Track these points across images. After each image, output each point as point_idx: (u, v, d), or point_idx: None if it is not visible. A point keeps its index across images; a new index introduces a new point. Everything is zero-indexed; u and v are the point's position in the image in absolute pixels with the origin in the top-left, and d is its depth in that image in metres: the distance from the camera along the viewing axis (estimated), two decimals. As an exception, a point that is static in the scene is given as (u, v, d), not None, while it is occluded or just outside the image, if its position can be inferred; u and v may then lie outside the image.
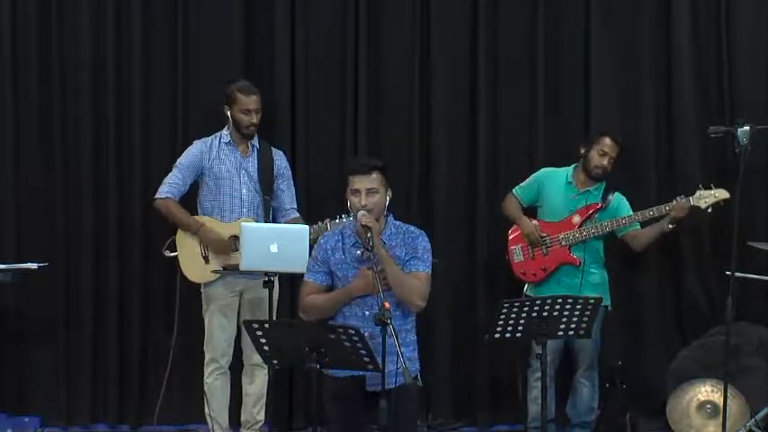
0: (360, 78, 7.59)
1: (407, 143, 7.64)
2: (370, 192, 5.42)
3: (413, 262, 5.49)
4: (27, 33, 7.56)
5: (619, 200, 7.03)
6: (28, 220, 7.58)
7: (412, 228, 5.60)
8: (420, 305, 5.51)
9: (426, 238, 5.55)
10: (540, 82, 7.60)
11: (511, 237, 7.11)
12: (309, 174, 7.55)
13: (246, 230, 6.33)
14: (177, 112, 7.57)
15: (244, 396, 6.98)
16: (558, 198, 7.05)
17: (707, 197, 6.90)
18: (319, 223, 6.72)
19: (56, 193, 7.56)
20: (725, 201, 6.90)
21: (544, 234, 6.99)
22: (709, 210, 6.93)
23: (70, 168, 7.57)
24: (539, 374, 6.82)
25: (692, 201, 6.90)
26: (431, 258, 5.54)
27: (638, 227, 7.00)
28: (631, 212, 7.00)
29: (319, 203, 7.33)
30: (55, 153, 7.56)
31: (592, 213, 6.97)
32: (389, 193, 5.51)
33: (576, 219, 6.98)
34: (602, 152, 6.96)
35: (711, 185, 6.93)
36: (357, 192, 5.44)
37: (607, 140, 6.96)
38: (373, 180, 5.43)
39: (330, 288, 5.54)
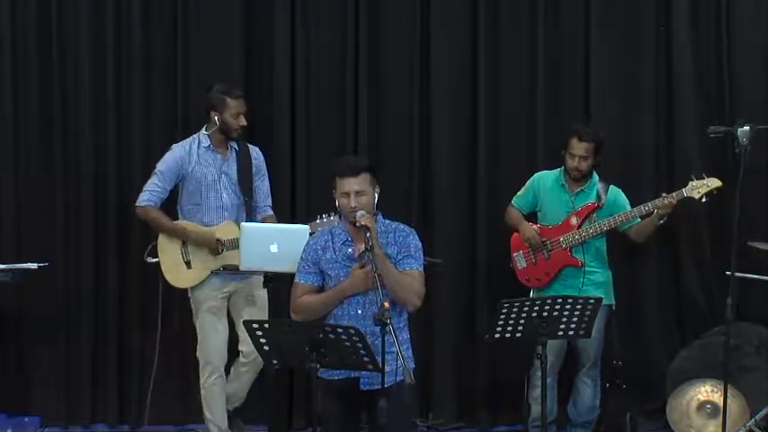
0: (360, 78, 7.59)
1: (407, 143, 7.64)
2: (359, 194, 5.42)
3: (406, 260, 5.47)
4: (27, 33, 7.56)
5: (615, 194, 7.02)
6: (28, 220, 7.58)
7: (402, 226, 5.59)
8: (417, 304, 5.50)
9: (417, 236, 5.54)
10: (540, 82, 7.60)
11: (512, 244, 7.11)
12: (309, 174, 7.54)
13: (246, 230, 6.32)
14: (177, 113, 7.57)
15: (229, 383, 6.95)
16: (553, 201, 7.05)
17: (699, 187, 6.87)
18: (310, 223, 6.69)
19: (56, 193, 7.56)
20: (718, 189, 6.87)
21: (545, 239, 6.99)
22: (704, 200, 6.89)
23: (70, 168, 7.57)
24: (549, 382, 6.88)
25: (686, 192, 6.87)
26: (422, 256, 5.54)
27: (639, 220, 6.99)
28: (628, 206, 6.98)
29: (319, 203, 7.31)
30: (55, 153, 7.56)
31: (589, 213, 6.97)
32: (377, 190, 5.50)
33: (575, 220, 6.97)
34: (572, 154, 6.93)
35: (704, 175, 6.90)
36: (346, 194, 5.43)
37: (574, 142, 6.92)
38: (361, 181, 5.41)
39: (321, 288, 5.52)
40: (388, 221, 5.55)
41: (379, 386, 5.24)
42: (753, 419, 6.88)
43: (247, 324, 5.26)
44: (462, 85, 7.66)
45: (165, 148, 7.47)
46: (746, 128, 6.31)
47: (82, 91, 7.54)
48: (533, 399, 6.86)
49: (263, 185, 6.98)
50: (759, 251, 6.87)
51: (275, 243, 6.19)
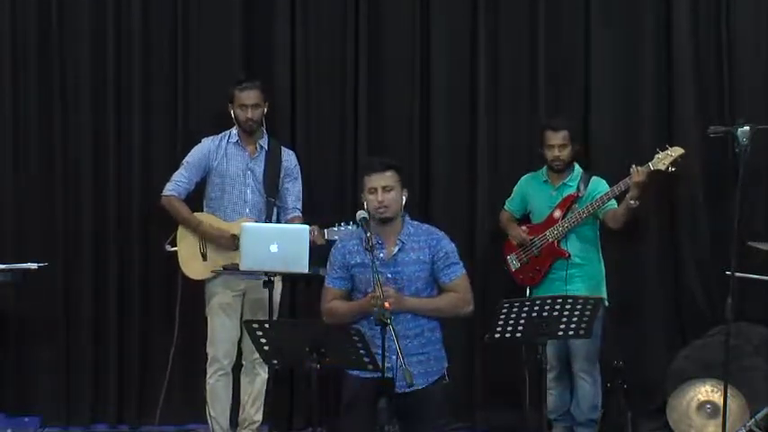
0: (360, 78, 7.59)
1: (407, 143, 7.64)
2: (386, 189, 5.49)
3: (451, 269, 5.58)
4: (27, 33, 7.57)
5: (597, 184, 7.01)
6: (28, 220, 7.58)
7: (432, 228, 5.69)
8: (468, 311, 5.73)
9: (448, 238, 5.63)
10: (540, 82, 7.60)
11: (505, 247, 7.17)
12: (310, 173, 7.54)
13: (246, 230, 6.32)
14: (177, 112, 7.57)
15: (242, 395, 6.98)
16: (539, 199, 7.10)
17: (664, 158, 6.86)
18: (311, 228, 6.62)
19: (56, 193, 7.56)
20: (682, 157, 6.85)
21: (532, 236, 7.02)
22: (671, 169, 6.84)
23: (70, 168, 7.57)
24: (551, 375, 6.88)
25: (652, 166, 6.85)
26: (458, 256, 5.66)
27: (615, 205, 6.97)
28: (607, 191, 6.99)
29: (319, 203, 7.32)
30: (55, 153, 7.56)
31: (570, 204, 6.98)
32: (405, 193, 5.58)
33: (558, 213, 7.01)
34: (549, 145, 6.98)
35: (667, 146, 6.91)
36: (374, 190, 5.51)
37: (548, 134, 6.98)
38: (388, 178, 5.53)
39: (350, 291, 5.59)
40: (416, 223, 5.62)
41: (417, 388, 5.29)
42: (753, 419, 6.88)
43: (247, 324, 5.26)
44: (462, 85, 7.66)
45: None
46: (746, 128, 6.31)
47: (82, 91, 7.54)
48: (549, 392, 6.83)
49: (293, 188, 6.98)
50: (759, 251, 6.87)
51: (275, 243, 6.19)
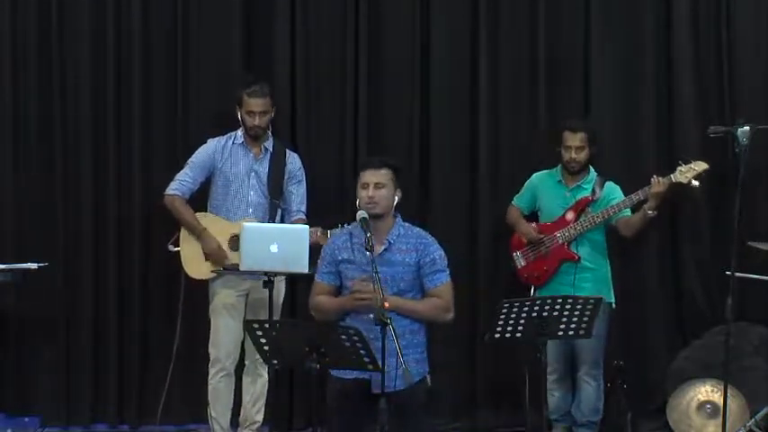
0: (360, 78, 7.59)
1: (407, 143, 7.64)
2: (377, 185, 5.49)
3: (436, 276, 5.56)
4: (27, 33, 7.57)
5: (611, 189, 7.02)
6: (28, 220, 7.58)
7: (423, 232, 5.66)
8: (448, 318, 5.66)
9: (438, 244, 5.60)
10: (541, 82, 7.60)
11: (512, 243, 7.15)
12: (309, 173, 7.53)
13: (246, 230, 6.32)
14: (177, 113, 7.57)
15: (244, 395, 6.97)
16: (551, 199, 7.09)
17: (687, 171, 6.86)
18: (314, 229, 6.63)
19: (56, 193, 7.56)
20: (705, 171, 6.86)
21: (542, 235, 7.01)
22: (692, 183, 6.86)
23: (70, 168, 7.57)
24: (553, 377, 6.88)
25: (674, 178, 6.86)
26: (446, 263, 5.61)
27: (629, 213, 6.98)
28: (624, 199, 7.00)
29: (319, 203, 7.32)
30: (55, 153, 7.56)
31: (584, 207, 6.98)
32: (399, 193, 5.57)
33: (570, 215, 7.00)
34: (567, 146, 6.98)
35: (690, 159, 6.91)
36: (366, 185, 5.52)
37: (567, 135, 6.98)
38: (382, 175, 5.54)
39: (338, 287, 5.59)
40: (407, 224, 5.61)
41: (393, 389, 5.28)
42: (753, 419, 6.88)
43: (247, 324, 5.26)
44: (462, 85, 7.66)
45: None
46: (746, 128, 6.32)
47: (82, 91, 7.54)
48: (549, 393, 6.83)
49: (297, 191, 6.98)
50: (759, 251, 6.87)
51: (275, 243, 6.19)
